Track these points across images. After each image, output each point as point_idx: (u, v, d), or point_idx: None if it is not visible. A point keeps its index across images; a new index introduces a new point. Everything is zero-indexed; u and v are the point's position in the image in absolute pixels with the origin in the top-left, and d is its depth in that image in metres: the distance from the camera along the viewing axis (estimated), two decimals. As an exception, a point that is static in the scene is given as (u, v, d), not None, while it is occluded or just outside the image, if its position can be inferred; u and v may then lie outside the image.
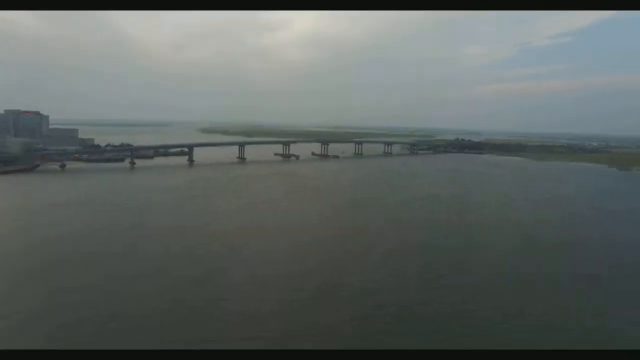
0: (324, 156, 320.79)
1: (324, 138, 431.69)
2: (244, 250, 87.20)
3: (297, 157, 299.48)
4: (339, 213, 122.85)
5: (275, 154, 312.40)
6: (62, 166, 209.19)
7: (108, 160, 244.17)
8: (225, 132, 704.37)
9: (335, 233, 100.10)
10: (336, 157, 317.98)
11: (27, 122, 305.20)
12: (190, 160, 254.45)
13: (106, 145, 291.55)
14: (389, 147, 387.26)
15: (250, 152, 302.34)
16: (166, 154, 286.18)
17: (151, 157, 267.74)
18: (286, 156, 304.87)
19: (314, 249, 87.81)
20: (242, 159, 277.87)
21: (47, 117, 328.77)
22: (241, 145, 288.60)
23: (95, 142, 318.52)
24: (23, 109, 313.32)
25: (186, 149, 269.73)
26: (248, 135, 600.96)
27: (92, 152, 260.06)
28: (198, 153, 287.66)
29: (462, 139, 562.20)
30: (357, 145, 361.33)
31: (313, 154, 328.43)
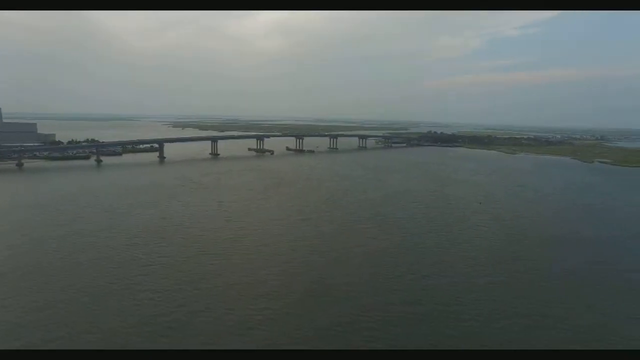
0: (299, 151, 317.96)
1: (299, 132, 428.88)
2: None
3: (272, 152, 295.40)
4: (319, 225, 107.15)
5: (249, 149, 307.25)
6: (20, 165, 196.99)
7: (72, 157, 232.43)
8: (198, 127, 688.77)
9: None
10: (311, 151, 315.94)
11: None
12: (161, 157, 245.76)
13: (69, 142, 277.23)
14: (364, 140, 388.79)
15: (223, 147, 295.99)
16: (135, 150, 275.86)
17: (119, 154, 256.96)
18: (260, 151, 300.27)
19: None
20: (215, 154, 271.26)
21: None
22: (214, 140, 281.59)
23: (57, 138, 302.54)
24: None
25: (156, 145, 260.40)
26: (222, 130, 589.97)
27: (54, 149, 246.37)
28: (169, 149, 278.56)
29: (435, 132, 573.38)
30: (332, 139, 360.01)
31: (288, 148, 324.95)
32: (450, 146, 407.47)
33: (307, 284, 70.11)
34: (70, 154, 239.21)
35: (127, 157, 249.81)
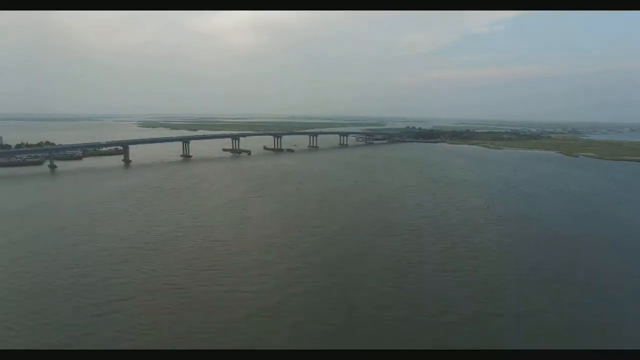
0: (278, 150, 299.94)
1: (276, 130, 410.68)
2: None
3: (249, 152, 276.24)
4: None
5: (224, 150, 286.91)
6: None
7: (20, 164, 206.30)
8: (170, 126, 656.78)
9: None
10: (290, 150, 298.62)
11: None
12: (126, 161, 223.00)
13: (18, 145, 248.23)
14: (345, 138, 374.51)
15: (196, 148, 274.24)
16: (98, 154, 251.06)
17: (79, 158, 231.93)
18: (236, 151, 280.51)
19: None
20: (186, 156, 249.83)
21: None
22: (185, 141, 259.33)
23: (4, 142, 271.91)
24: None
25: (121, 148, 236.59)
26: (195, 129, 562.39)
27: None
28: (136, 152, 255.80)
29: (414, 127, 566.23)
30: (311, 137, 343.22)
31: (265, 148, 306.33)
32: (432, 142, 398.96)
33: None
34: (19, 159, 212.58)
35: (89, 162, 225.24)
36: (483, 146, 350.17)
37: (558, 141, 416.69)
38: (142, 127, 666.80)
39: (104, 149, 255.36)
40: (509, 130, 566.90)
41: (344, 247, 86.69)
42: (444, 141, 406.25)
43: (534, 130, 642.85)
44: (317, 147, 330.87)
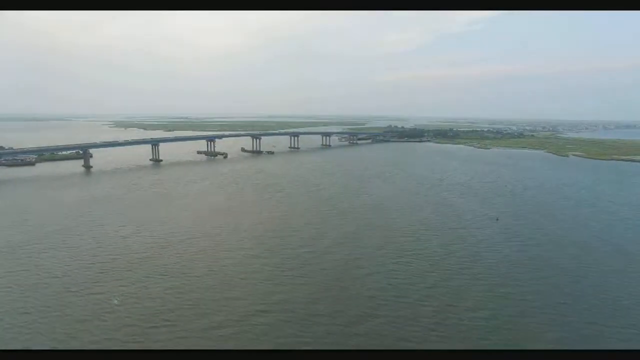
0: (257, 152, 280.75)
1: (255, 130, 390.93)
2: None
3: (225, 155, 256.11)
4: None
5: (199, 152, 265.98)
6: None
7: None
8: (143, 127, 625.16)
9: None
10: (270, 152, 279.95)
11: None
12: (87, 166, 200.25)
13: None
14: (327, 138, 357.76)
15: (168, 151, 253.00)
16: (56, 158, 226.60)
17: (31, 164, 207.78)
18: (211, 154, 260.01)
19: None
20: (156, 160, 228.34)
21: None
22: (154, 144, 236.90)
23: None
24: None
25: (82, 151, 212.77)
26: (170, 130, 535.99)
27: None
28: (102, 155, 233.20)
29: (396, 126, 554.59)
30: (292, 138, 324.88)
31: (243, 150, 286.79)
32: (417, 141, 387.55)
33: None
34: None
35: (43, 168, 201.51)
36: (470, 146, 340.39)
37: (542, 140, 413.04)
38: (114, 127, 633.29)
39: (63, 152, 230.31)
40: (492, 129, 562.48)
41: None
42: (429, 140, 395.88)
43: (514, 128, 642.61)
44: (298, 148, 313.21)
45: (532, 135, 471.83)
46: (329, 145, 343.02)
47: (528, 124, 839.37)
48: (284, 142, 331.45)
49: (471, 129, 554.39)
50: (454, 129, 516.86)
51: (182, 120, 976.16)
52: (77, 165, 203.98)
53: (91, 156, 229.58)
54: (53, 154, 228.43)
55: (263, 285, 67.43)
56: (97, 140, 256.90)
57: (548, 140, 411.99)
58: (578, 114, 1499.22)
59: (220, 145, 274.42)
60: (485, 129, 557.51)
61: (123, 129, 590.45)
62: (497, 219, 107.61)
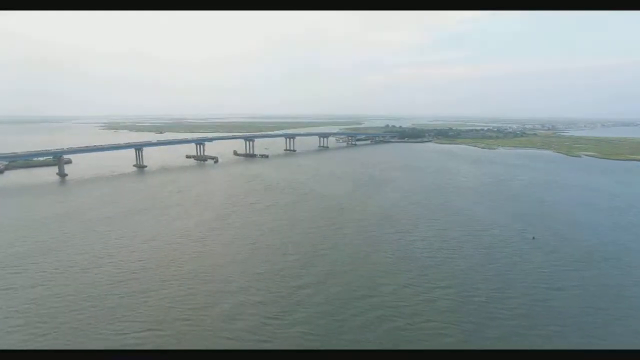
0: (250, 156, 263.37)
1: (248, 131, 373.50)
2: None
3: (216, 159, 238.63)
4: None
5: (188, 157, 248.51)
6: None
7: None
8: (135, 128, 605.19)
9: None
10: (265, 156, 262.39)
11: None
12: (61, 174, 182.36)
13: None
14: (325, 139, 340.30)
15: (154, 155, 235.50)
16: (31, 165, 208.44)
17: (0, 172, 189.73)
18: (201, 159, 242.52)
19: None
20: (140, 166, 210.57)
21: None
22: (138, 148, 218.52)
23: None
24: None
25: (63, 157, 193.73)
26: (161, 131, 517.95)
27: None
28: (82, 161, 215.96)
29: (394, 126, 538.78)
30: (288, 140, 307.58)
31: (235, 153, 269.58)
32: (419, 142, 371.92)
33: None
34: None
35: (12, 176, 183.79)
36: (474, 146, 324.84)
37: (545, 139, 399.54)
38: (104, 129, 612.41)
39: (39, 158, 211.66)
40: (493, 128, 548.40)
41: None
42: (430, 141, 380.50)
43: (514, 127, 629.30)
44: (294, 150, 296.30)
45: (535, 134, 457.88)
46: (327, 147, 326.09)
47: (528, 122, 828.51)
48: (279, 144, 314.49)
49: (471, 129, 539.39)
50: (455, 129, 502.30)
51: (177, 121, 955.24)
52: (52, 173, 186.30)
53: (69, 162, 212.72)
54: (27, 160, 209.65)
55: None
56: (75, 145, 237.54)
57: (551, 139, 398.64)
58: (576, 111, 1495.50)
59: (211, 149, 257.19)
60: (486, 128, 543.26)
61: (113, 130, 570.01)
62: (534, 238, 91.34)
